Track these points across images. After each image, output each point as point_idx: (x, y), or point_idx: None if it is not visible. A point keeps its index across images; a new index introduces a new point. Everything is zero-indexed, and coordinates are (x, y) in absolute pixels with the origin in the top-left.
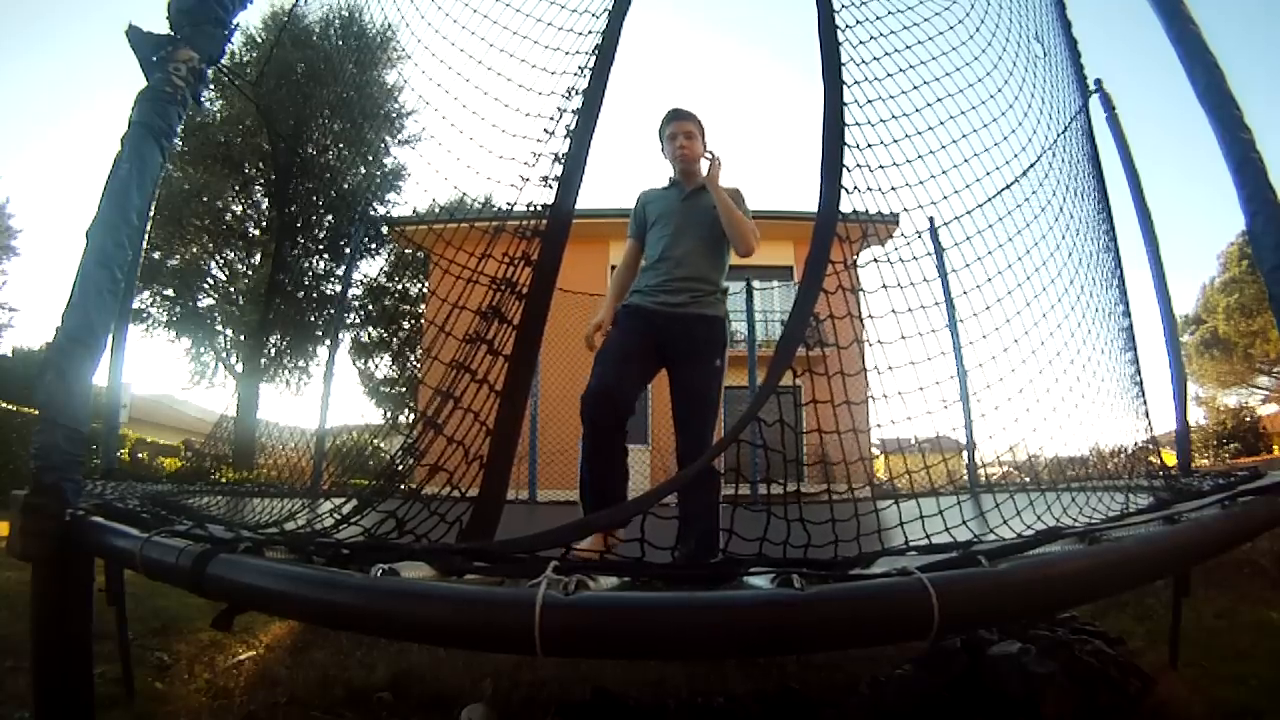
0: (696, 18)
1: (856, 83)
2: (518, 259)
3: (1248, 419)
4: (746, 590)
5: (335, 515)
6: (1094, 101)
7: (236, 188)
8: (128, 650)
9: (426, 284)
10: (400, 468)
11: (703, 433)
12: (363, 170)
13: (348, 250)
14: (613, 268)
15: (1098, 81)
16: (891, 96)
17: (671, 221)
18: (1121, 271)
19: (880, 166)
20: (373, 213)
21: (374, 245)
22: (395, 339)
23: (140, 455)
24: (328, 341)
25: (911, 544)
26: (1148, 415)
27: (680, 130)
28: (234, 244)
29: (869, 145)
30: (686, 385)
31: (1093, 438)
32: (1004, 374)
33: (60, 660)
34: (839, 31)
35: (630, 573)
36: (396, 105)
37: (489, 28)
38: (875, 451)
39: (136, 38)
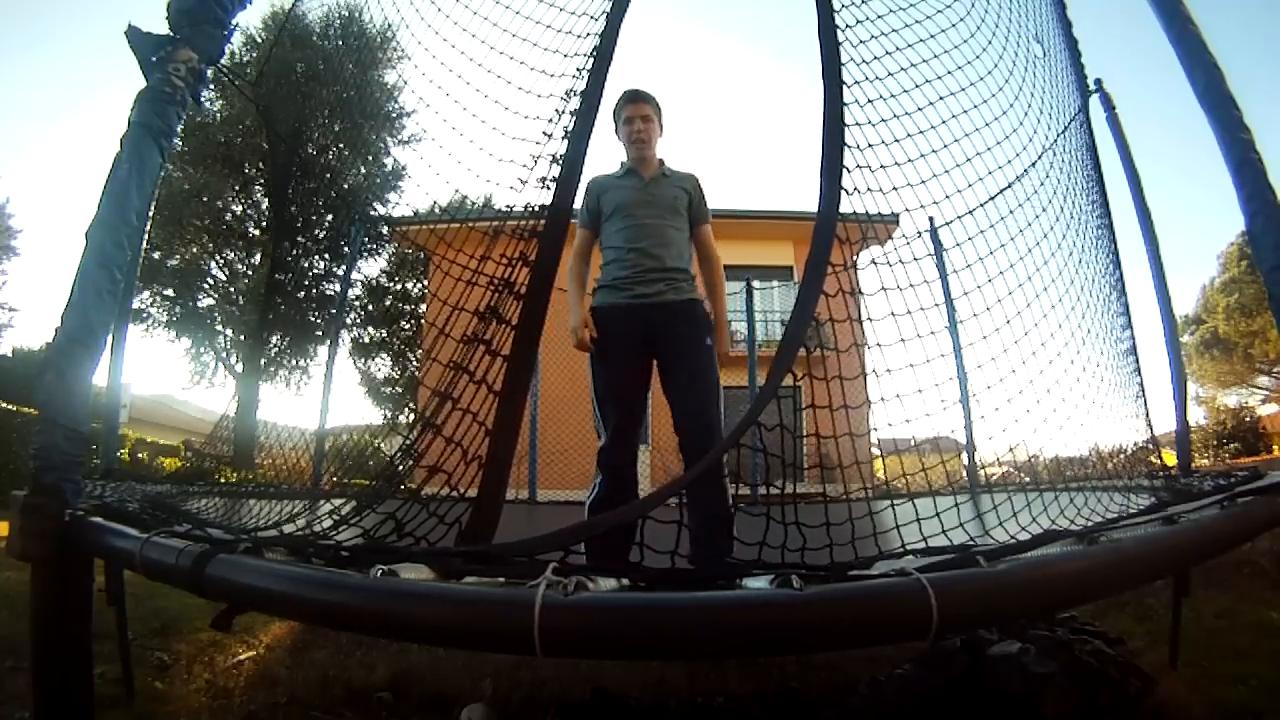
0: (696, 18)
1: (857, 83)
2: (516, 260)
3: (1248, 419)
4: (746, 591)
5: (335, 516)
6: (1094, 101)
7: (236, 188)
8: (128, 650)
9: (426, 284)
10: (399, 468)
11: (710, 417)
12: (363, 170)
13: (348, 250)
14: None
15: (1098, 81)
16: (892, 96)
17: (634, 212)
18: (1121, 272)
19: (881, 167)
20: (373, 213)
21: (374, 245)
22: (395, 339)
23: (140, 455)
24: (328, 341)
25: (910, 546)
26: (1148, 415)
27: (637, 114)
28: (234, 244)
29: (869, 145)
30: (685, 368)
31: (1092, 438)
32: (1004, 375)
33: (60, 660)
34: (839, 31)
35: (630, 575)
36: (396, 105)
37: (488, 29)
38: (875, 453)
39: (136, 38)
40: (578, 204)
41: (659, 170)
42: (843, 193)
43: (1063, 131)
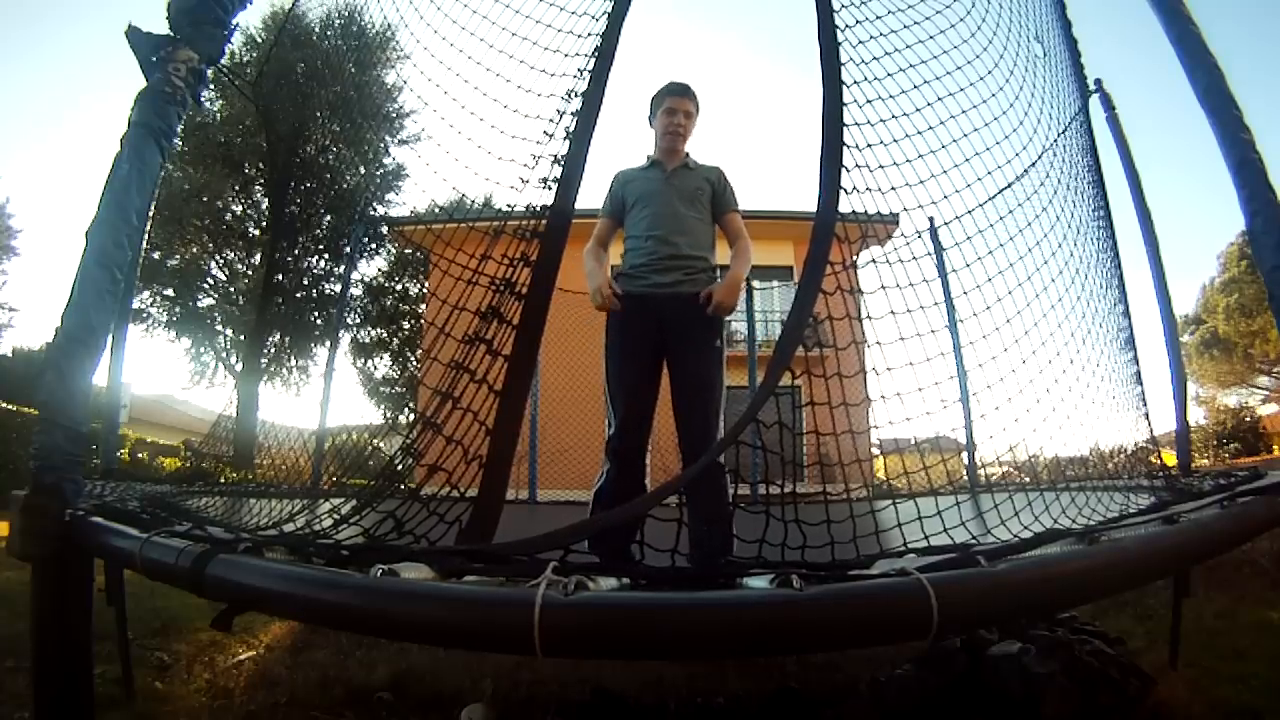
0: (696, 18)
1: (856, 83)
2: (517, 260)
3: (1248, 419)
4: (746, 591)
5: (335, 516)
6: (1094, 101)
7: (236, 188)
8: (128, 650)
9: (426, 284)
10: (399, 468)
11: (708, 425)
12: (363, 170)
13: (348, 250)
14: (614, 268)
15: (1098, 81)
16: (891, 96)
17: (655, 201)
18: (1121, 272)
19: (880, 166)
20: (373, 213)
21: (374, 245)
22: (395, 339)
23: (140, 455)
24: (327, 341)
25: (911, 545)
26: (1148, 415)
27: (680, 107)
28: (234, 244)
29: (868, 145)
30: (688, 373)
31: (1093, 438)
32: (1004, 374)
33: (60, 660)
34: (838, 31)
35: (630, 574)
36: (396, 105)
37: (488, 29)
38: (875, 452)
39: (136, 38)
40: (580, 205)
41: (683, 163)
42: (842, 192)
43: (1063, 132)
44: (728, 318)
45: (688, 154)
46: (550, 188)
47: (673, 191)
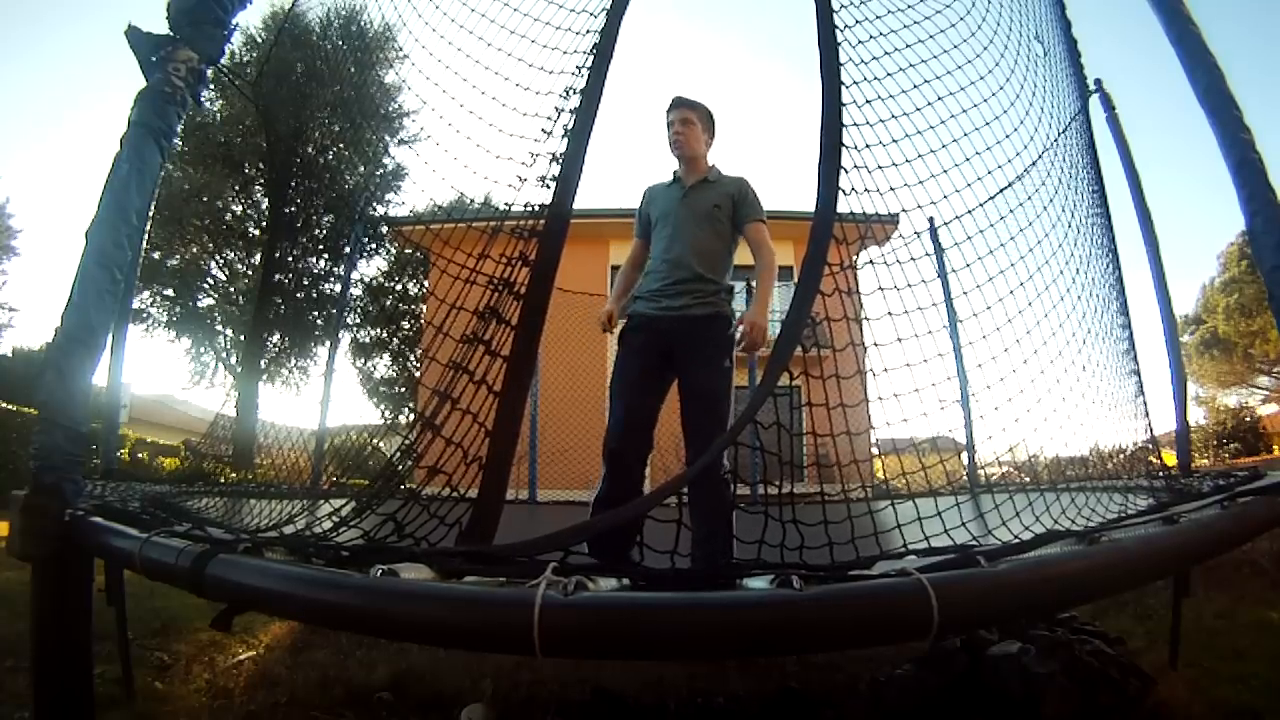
0: (696, 17)
1: (855, 83)
2: (516, 259)
3: (1248, 419)
4: (745, 591)
5: (335, 518)
6: (1094, 101)
7: (236, 188)
8: (128, 650)
9: (426, 284)
10: (399, 469)
11: (714, 439)
12: (362, 170)
13: (348, 250)
14: (614, 268)
15: (1098, 81)
16: (891, 96)
17: (670, 221)
18: (1121, 272)
19: (879, 167)
20: (373, 213)
21: (374, 245)
22: (395, 339)
23: (140, 455)
24: (327, 341)
25: (911, 546)
26: (1148, 415)
27: (677, 118)
28: (234, 244)
29: (868, 146)
30: (696, 390)
31: (1093, 438)
32: (1004, 374)
33: (60, 660)
34: (838, 31)
35: (630, 574)
36: (396, 105)
37: (487, 27)
38: (874, 452)
39: (136, 38)
40: (580, 204)
41: (703, 177)
42: (840, 193)
43: (1063, 132)
44: (733, 316)
45: (712, 166)
46: (549, 186)
47: (687, 211)
